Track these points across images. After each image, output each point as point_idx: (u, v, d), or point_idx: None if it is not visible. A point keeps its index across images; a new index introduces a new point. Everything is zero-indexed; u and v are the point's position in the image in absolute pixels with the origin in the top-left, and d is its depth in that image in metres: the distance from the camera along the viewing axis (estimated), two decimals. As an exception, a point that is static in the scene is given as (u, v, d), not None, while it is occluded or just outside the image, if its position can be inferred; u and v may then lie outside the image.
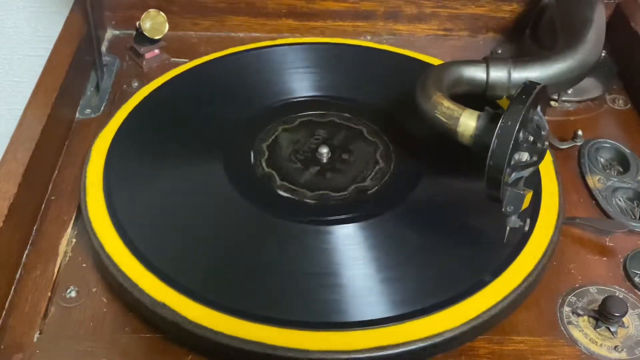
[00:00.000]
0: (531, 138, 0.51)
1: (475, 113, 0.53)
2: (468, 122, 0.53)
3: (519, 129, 0.48)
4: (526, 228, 0.53)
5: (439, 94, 0.56)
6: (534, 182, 0.59)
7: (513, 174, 0.50)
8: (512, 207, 0.50)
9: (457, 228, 0.57)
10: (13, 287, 0.52)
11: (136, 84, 0.72)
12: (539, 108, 0.51)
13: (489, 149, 0.48)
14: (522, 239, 0.54)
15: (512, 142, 0.48)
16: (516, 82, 0.61)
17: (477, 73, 0.62)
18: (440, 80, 0.59)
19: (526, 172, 0.51)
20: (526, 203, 0.51)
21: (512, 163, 0.50)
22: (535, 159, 0.51)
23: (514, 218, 0.51)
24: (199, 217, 0.57)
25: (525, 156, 0.50)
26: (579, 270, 0.55)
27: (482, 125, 0.53)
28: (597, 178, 0.63)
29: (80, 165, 0.61)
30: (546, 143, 0.51)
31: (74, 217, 0.58)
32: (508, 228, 0.52)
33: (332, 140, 0.65)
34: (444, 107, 0.55)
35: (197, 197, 0.58)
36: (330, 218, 0.56)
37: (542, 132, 0.51)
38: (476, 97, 0.63)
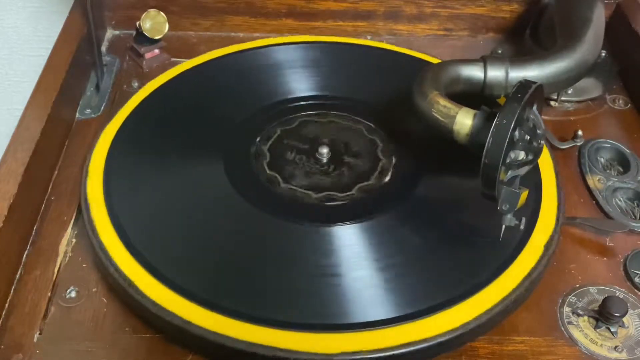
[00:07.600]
0: (527, 137, 0.50)
1: (472, 112, 0.53)
2: (464, 120, 0.53)
3: (514, 127, 0.48)
4: (522, 227, 0.53)
5: (436, 93, 0.56)
6: (534, 182, 0.59)
7: (509, 173, 0.50)
8: (507, 206, 0.50)
9: (459, 228, 0.56)
10: (13, 287, 0.52)
11: (136, 84, 0.72)
12: (535, 107, 0.51)
13: (484, 148, 0.48)
14: (522, 238, 0.54)
15: (507, 140, 0.48)
16: (514, 81, 0.61)
17: (474, 72, 0.62)
18: (438, 79, 0.59)
19: (522, 171, 0.51)
20: (522, 202, 0.51)
21: (507, 161, 0.50)
22: (531, 157, 0.50)
23: (509, 216, 0.51)
24: (200, 218, 0.57)
25: (521, 155, 0.50)
26: (579, 270, 0.55)
27: (478, 123, 0.52)
28: (597, 178, 0.63)
29: (80, 165, 0.61)
30: (542, 142, 0.51)
31: (74, 217, 0.58)
32: (504, 226, 0.52)
33: (332, 140, 0.65)
34: (441, 106, 0.55)
35: (197, 198, 0.58)
36: (339, 220, 0.56)
37: (538, 131, 0.51)
38: (475, 96, 0.63)
